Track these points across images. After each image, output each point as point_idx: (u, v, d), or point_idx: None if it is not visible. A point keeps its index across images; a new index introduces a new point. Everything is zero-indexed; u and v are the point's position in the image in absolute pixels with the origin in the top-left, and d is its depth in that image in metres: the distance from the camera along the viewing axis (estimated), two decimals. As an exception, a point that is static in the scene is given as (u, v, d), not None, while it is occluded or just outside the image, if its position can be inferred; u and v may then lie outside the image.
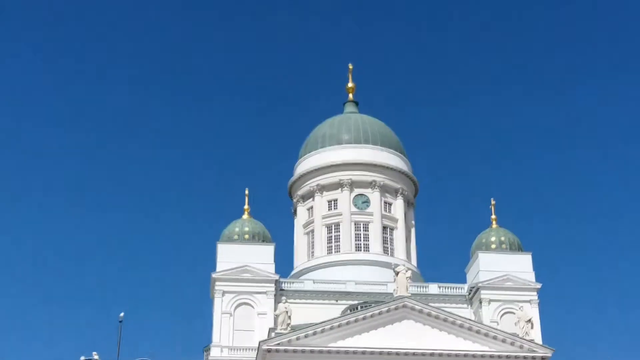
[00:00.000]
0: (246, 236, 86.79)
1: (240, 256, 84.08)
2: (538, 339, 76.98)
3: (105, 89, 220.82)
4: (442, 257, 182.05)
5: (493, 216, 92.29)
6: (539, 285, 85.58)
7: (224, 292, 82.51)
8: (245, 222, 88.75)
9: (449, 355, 69.66)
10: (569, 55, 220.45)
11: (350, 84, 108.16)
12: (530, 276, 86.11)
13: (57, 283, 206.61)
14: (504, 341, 70.74)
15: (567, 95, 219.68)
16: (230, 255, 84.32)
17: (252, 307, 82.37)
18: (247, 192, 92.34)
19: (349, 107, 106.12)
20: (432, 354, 69.46)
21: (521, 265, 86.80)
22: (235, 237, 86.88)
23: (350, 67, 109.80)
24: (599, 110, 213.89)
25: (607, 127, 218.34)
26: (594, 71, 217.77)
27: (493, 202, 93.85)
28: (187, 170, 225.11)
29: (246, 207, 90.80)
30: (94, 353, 74.09)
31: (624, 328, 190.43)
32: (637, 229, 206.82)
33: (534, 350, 70.59)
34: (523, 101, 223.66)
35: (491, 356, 70.10)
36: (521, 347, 70.48)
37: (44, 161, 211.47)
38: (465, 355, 69.88)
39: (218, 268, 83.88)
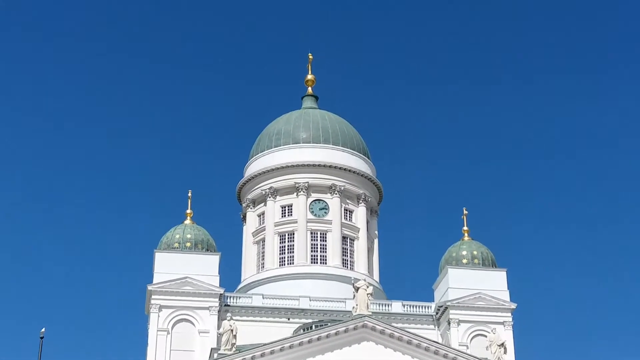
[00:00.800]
0: (188, 244, 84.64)
1: (181, 266, 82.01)
2: (513, 365, 75.09)
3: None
4: (408, 272, 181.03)
5: (465, 227, 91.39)
6: (513, 306, 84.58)
7: (160, 307, 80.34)
8: (188, 228, 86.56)
9: (412, 382, 67.89)
10: (541, 59, 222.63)
11: (309, 76, 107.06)
12: (505, 295, 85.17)
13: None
14: (474, 367, 69.13)
15: (544, 99, 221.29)
16: (170, 266, 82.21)
17: (193, 324, 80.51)
18: (190, 194, 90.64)
19: (308, 102, 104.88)
20: (394, 381, 67.53)
21: (495, 283, 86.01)
22: (176, 244, 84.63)
23: (310, 57, 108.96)
24: (576, 117, 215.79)
25: (585, 135, 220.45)
26: (570, 75, 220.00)
27: (465, 212, 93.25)
28: (124, 168, 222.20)
29: (189, 211, 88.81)
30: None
31: (607, 352, 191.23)
32: (622, 239, 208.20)
33: (508, 379, 68.82)
34: (501, 100, 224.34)
35: (461, 385, 68.40)
36: (494, 374, 68.88)
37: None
38: (432, 383, 68.24)
39: (155, 279, 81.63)
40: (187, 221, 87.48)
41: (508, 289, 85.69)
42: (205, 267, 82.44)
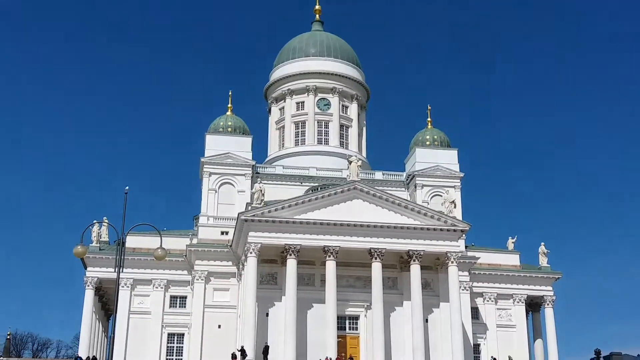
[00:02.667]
0: (229, 129, 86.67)
1: (224, 145, 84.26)
2: (459, 216, 78.66)
3: None
4: (387, 150, 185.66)
5: (429, 119, 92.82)
6: (462, 174, 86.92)
7: (210, 174, 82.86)
8: (229, 118, 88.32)
9: (388, 227, 70.80)
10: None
11: (317, 6, 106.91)
12: (455, 167, 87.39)
13: (71, 162, 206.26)
14: (432, 217, 72.08)
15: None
16: (216, 144, 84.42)
17: (233, 185, 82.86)
18: (230, 93, 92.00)
19: (316, 26, 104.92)
20: (375, 226, 70.62)
21: (449, 158, 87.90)
22: (221, 129, 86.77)
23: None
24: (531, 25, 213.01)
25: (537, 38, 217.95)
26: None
27: (429, 107, 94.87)
28: (182, 72, 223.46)
29: (230, 105, 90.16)
30: (104, 218, 74.74)
31: (529, 206, 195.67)
32: (551, 120, 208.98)
33: (455, 225, 72.05)
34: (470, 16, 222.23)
35: (422, 228, 71.41)
36: (445, 221, 71.84)
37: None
38: (401, 228, 71.07)
39: (206, 154, 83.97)
40: (229, 113, 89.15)
41: (458, 162, 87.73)
42: (241, 146, 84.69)
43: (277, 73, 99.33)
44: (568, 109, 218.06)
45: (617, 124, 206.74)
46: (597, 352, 30.05)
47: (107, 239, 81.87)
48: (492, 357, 75.20)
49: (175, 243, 78.49)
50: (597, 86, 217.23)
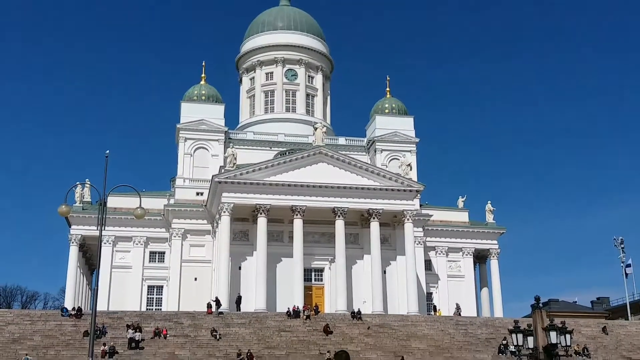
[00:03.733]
0: (203, 97, 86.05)
1: (199, 112, 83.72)
2: (414, 177, 79.33)
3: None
4: (350, 117, 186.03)
5: (387, 89, 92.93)
6: (417, 140, 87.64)
7: (186, 139, 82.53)
8: (203, 87, 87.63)
9: (350, 188, 71.53)
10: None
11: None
12: (412, 133, 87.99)
13: (55, 124, 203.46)
14: (390, 179, 72.85)
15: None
16: (191, 112, 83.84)
17: (207, 150, 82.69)
18: (204, 64, 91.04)
19: (283, 1, 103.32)
20: (338, 187, 71.34)
21: (406, 125, 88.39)
22: (195, 97, 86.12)
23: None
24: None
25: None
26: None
27: (388, 78, 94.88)
28: (159, 43, 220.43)
29: (203, 75, 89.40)
30: (87, 180, 74.14)
31: (478, 169, 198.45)
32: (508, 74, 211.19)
33: (411, 186, 73.04)
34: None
35: (380, 189, 72.20)
36: (402, 183, 72.69)
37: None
38: (362, 188, 71.80)
39: (182, 120, 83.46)
40: (202, 82, 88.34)
41: (414, 129, 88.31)
42: (214, 113, 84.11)
43: (248, 45, 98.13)
44: (517, 79, 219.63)
45: (559, 88, 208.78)
46: (537, 299, 30.81)
47: (90, 199, 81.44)
48: (434, 305, 76.34)
49: (154, 203, 78.17)
50: (541, 53, 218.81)
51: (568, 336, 29.98)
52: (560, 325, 30.79)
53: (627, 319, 73.71)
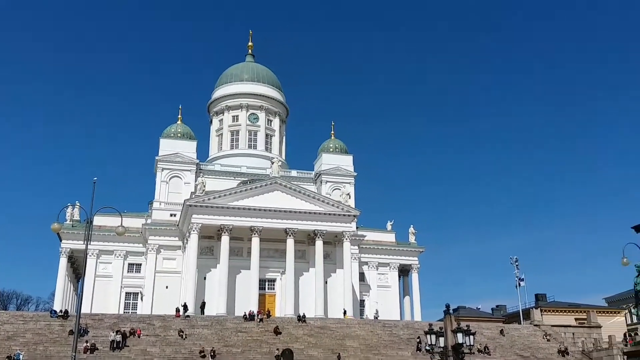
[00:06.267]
0: (179, 135, 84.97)
1: (175, 147, 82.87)
2: (353, 204, 79.50)
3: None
4: (301, 154, 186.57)
5: (332, 132, 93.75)
6: (355, 174, 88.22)
7: (163, 169, 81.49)
8: (179, 126, 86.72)
9: (300, 212, 71.58)
10: None
11: (250, 43, 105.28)
12: (351, 168, 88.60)
13: (35, 146, 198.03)
14: (332, 205, 73.29)
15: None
16: (168, 146, 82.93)
17: (181, 178, 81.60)
18: (180, 107, 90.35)
19: (249, 58, 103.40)
20: (290, 211, 71.32)
21: (346, 162, 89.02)
22: (172, 135, 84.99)
23: (251, 32, 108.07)
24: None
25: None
26: None
27: (333, 123, 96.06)
28: (139, 88, 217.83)
29: (179, 116, 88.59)
30: (77, 202, 72.75)
31: (406, 198, 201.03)
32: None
33: (349, 211, 73.55)
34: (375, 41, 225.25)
35: (325, 213, 72.51)
36: (342, 209, 73.14)
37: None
38: (310, 213, 71.98)
39: (160, 154, 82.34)
40: (179, 122, 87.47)
41: (353, 164, 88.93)
42: (188, 148, 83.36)
43: (218, 92, 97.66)
44: (442, 130, 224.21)
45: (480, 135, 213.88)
46: (447, 306, 31.43)
47: (79, 218, 79.42)
48: (344, 310, 72.90)
49: (134, 222, 76.70)
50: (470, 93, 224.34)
51: (472, 337, 30.62)
52: (465, 328, 31.40)
53: (520, 323, 75.20)
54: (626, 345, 49.63)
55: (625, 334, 66.47)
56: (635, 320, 77.12)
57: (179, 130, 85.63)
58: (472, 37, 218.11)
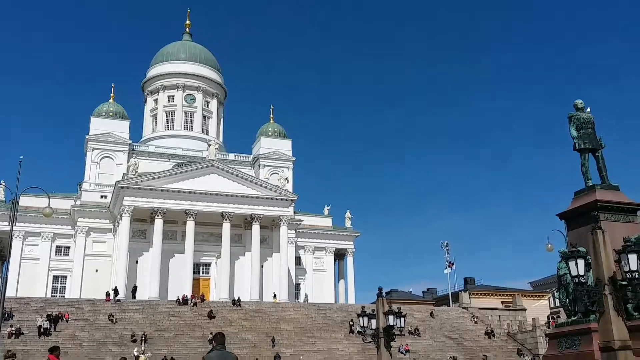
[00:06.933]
0: (111, 114, 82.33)
1: (106, 126, 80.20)
2: (290, 189, 79.72)
3: None
4: (239, 137, 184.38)
5: (271, 115, 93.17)
6: (294, 158, 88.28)
7: (93, 149, 78.88)
8: (111, 104, 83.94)
9: (237, 196, 71.09)
10: None
11: (187, 22, 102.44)
12: (290, 153, 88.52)
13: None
14: (270, 189, 73.20)
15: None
16: (100, 125, 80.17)
17: (112, 159, 79.21)
18: (113, 85, 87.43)
19: (186, 37, 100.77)
20: (226, 195, 70.68)
21: (285, 146, 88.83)
22: (104, 113, 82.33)
23: (189, 10, 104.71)
24: None
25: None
26: None
27: (272, 107, 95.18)
28: (73, 63, 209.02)
29: (112, 94, 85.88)
30: (2, 181, 69.28)
31: (343, 183, 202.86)
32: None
33: (287, 196, 73.70)
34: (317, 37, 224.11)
35: (262, 197, 72.36)
36: (280, 193, 73.19)
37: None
38: (247, 197, 71.65)
39: (91, 133, 79.58)
40: (111, 101, 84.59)
41: (292, 149, 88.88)
42: (120, 128, 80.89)
43: (153, 71, 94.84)
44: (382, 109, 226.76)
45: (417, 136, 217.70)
46: (380, 289, 31.95)
47: (4, 198, 75.67)
48: (274, 293, 73.67)
49: (62, 204, 73.66)
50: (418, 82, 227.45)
51: (403, 319, 31.30)
52: (397, 311, 32.06)
53: (449, 306, 77.86)
54: (549, 328, 52.41)
55: (548, 317, 69.86)
56: (557, 304, 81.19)
57: (112, 109, 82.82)
58: (405, 22, 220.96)
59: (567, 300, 19.11)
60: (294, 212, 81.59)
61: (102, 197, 75.81)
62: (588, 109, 21.05)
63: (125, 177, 69.23)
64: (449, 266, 78.48)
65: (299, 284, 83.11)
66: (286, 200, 73.16)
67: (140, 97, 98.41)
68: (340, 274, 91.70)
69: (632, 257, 13.97)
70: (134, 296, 63.86)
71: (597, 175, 20.21)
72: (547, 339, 21.64)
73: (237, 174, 72.14)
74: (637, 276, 13.94)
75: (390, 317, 30.66)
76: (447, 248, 79.67)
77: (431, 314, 67.31)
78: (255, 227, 71.35)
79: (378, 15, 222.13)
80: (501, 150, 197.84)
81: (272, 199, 72.32)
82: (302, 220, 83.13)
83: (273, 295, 68.97)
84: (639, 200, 19.69)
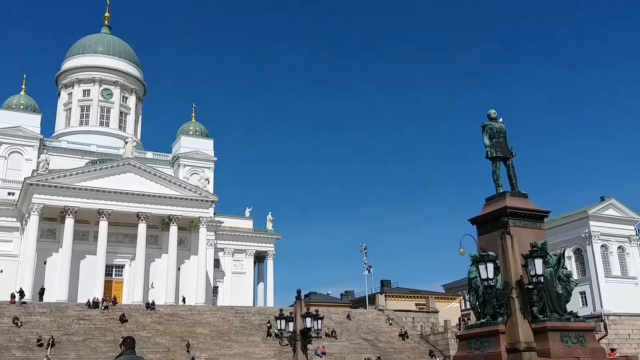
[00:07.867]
0: (21, 107, 78.36)
1: (16, 120, 76.19)
2: (211, 190, 78.12)
3: None
4: (158, 135, 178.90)
5: (193, 114, 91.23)
6: (215, 159, 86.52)
7: (2, 143, 74.59)
8: (22, 97, 79.92)
9: (154, 196, 68.85)
10: None
11: (107, 14, 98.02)
12: (211, 153, 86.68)
13: None
14: (190, 190, 71.43)
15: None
16: (9, 118, 75.95)
17: (22, 154, 75.34)
18: (25, 76, 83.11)
19: (104, 30, 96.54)
20: (143, 195, 68.36)
21: (206, 146, 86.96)
22: (14, 106, 78.29)
23: (108, 2, 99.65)
24: None
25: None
26: None
27: (194, 105, 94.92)
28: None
29: (23, 86, 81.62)
30: None
31: (266, 185, 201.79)
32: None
33: (207, 197, 72.11)
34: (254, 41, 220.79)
35: (181, 198, 70.44)
36: (200, 194, 71.54)
37: None
38: (164, 197, 69.47)
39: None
40: (22, 93, 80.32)
41: (214, 150, 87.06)
42: (31, 121, 76.85)
43: (69, 64, 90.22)
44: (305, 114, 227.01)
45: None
46: (298, 292, 31.83)
47: None
48: (182, 297, 71.35)
49: (-36, 200, 68.84)
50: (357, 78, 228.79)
51: (320, 321, 31.30)
52: (314, 313, 32.01)
53: (366, 308, 79.01)
54: (459, 330, 54.24)
55: (459, 319, 72.40)
56: (468, 306, 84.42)
57: (22, 101, 78.63)
58: (332, 12, 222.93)
59: (477, 302, 19.69)
60: (215, 213, 79.85)
61: (9, 194, 71.49)
62: (501, 119, 21.86)
63: (35, 174, 65.47)
64: (367, 269, 79.59)
65: (217, 287, 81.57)
66: (206, 201, 71.63)
67: (54, 90, 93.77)
68: (260, 277, 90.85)
69: (538, 262, 14.52)
70: (41, 298, 60.39)
71: (507, 183, 21.01)
72: (458, 340, 22.25)
73: (155, 173, 69.91)
74: (542, 280, 14.49)
75: (308, 320, 30.54)
76: (366, 251, 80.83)
77: (348, 316, 67.87)
78: (173, 229, 69.31)
79: (305, 9, 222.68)
80: (420, 157, 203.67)
81: (191, 199, 70.57)
82: (223, 222, 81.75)
83: (182, 299, 67.29)
84: (546, 208, 20.62)
